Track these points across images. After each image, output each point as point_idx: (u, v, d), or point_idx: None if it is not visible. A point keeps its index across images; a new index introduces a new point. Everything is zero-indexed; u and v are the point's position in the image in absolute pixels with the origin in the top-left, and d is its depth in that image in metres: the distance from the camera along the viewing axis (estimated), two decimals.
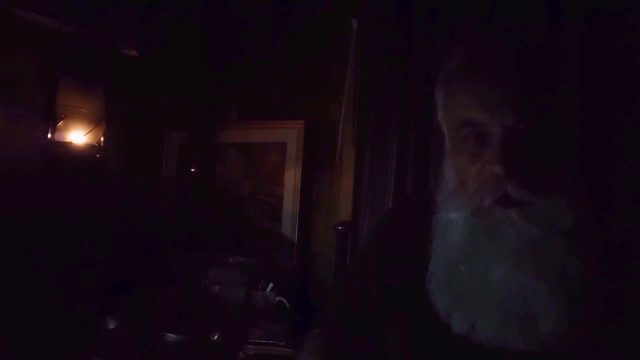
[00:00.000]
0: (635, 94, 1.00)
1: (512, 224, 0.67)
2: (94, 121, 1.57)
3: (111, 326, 1.37)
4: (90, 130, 1.56)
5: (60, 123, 1.49)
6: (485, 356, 0.69)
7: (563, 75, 0.73)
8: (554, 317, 0.65)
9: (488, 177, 0.68)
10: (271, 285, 1.54)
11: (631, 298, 0.68)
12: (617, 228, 0.72)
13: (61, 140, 1.51)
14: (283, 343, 1.39)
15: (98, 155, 1.61)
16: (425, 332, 0.75)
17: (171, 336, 1.36)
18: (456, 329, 0.70)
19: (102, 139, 1.61)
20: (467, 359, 0.71)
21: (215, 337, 1.37)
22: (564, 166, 0.70)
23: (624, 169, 0.97)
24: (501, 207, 0.68)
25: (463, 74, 0.73)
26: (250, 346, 1.39)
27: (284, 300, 1.53)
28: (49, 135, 1.49)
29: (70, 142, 1.53)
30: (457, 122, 0.72)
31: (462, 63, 0.74)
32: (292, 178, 1.71)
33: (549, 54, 0.73)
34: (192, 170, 1.89)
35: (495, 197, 0.67)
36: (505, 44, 0.74)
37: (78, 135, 1.54)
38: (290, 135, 1.73)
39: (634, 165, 0.97)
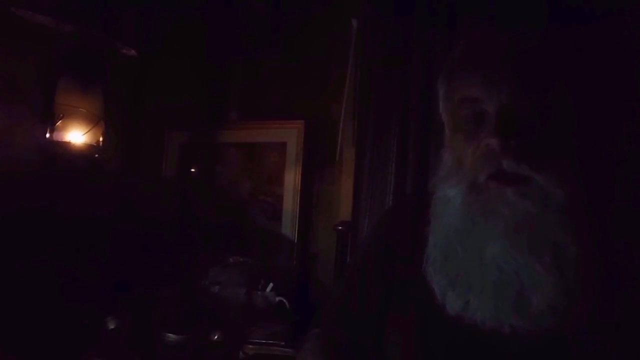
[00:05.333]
0: (634, 87, 1.01)
1: (507, 202, 0.68)
2: (93, 121, 1.57)
3: (111, 326, 1.37)
4: (89, 130, 1.56)
5: (58, 123, 1.49)
6: (481, 338, 0.69)
7: (562, 63, 0.73)
8: (548, 294, 0.66)
9: (484, 153, 0.68)
10: (271, 285, 1.54)
11: (627, 278, 0.69)
12: (612, 211, 0.73)
13: (60, 139, 1.51)
14: (283, 343, 1.39)
15: (97, 155, 1.61)
16: (424, 320, 0.75)
17: (171, 336, 1.36)
18: (450, 309, 0.71)
19: (100, 138, 1.61)
20: (464, 343, 0.71)
21: (215, 337, 1.37)
22: (560, 145, 0.70)
23: (621, 159, 0.98)
24: (496, 184, 0.68)
25: (463, 60, 0.75)
26: (250, 346, 1.39)
27: (284, 300, 1.53)
28: (48, 135, 1.49)
29: (69, 142, 1.53)
30: (455, 102, 0.74)
31: (462, 52, 0.76)
32: (292, 178, 1.71)
33: (548, 43, 0.73)
34: (192, 170, 1.89)
35: (491, 171, 0.68)
36: (505, 34, 0.76)
37: (77, 135, 1.54)
38: (290, 135, 1.73)
39: (630, 155, 0.98)
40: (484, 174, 0.68)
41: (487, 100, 0.68)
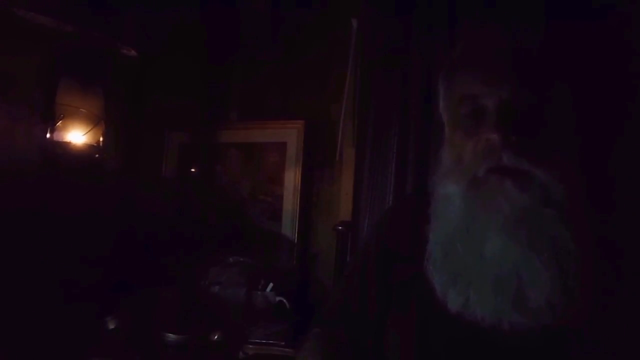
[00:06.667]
0: (634, 85, 1.02)
1: (507, 195, 0.68)
2: (93, 121, 1.57)
3: (111, 326, 1.37)
4: (89, 130, 1.56)
5: (59, 123, 1.50)
6: (481, 335, 0.70)
7: (561, 62, 0.74)
8: (546, 289, 0.66)
9: (484, 147, 0.69)
10: (271, 285, 1.54)
11: (625, 275, 0.69)
12: (611, 208, 0.74)
13: (60, 140, 1.51)
14: (283, 343, 1.39)
15: (97, 155, 1.61)
16: (425, 319, 0.75)
17: (171, 336, 1.36)
18: (451, 306, 0.71)
19: (101, 139, 1.61)
20: (464, 340, 0.72)
21: (215, 337, 1.37)
22: (560, 141, 0.71)
23: (619, 156, 0.98)
24: (496, 177, 0.68)
25: (463, 58, 0.76)
26: (250, 346, 1.39)
27: (284, 300, 1.52)
28: (48, 135, 1.49)
29: (69, 142, 1.53)
30: (456, 100, 0.74)
31: (462, 50, 0.77)
32: (292, 178, 1.71)
33: (547, 42, 0.74)
34: (192, 170, 1.89)
35: (490, 165, 0.68)
36: (505, 33, 0.77)
37: (77, 135, 1.54)
38: (290, 135, 1.73)
39: (629, 152, 0.99)
40: (484, 168, 0.69)
41: (487, 96, 0.69)
